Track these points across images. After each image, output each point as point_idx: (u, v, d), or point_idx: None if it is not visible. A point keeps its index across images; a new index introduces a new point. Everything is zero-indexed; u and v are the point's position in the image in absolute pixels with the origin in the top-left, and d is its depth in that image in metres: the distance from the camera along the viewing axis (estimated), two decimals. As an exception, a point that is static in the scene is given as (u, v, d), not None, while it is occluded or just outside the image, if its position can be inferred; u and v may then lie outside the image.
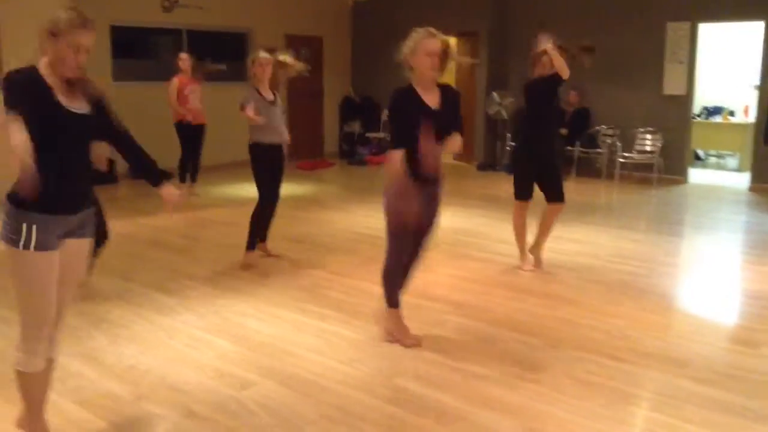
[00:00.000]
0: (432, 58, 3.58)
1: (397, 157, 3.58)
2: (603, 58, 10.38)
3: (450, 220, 7.58)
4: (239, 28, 11.62)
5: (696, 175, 10.50)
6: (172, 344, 4.05)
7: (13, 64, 2.72)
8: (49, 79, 2.62)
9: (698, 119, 11.34)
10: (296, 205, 8.33)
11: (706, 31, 9.93)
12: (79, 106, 2.67)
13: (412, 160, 3.59)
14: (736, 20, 9.69)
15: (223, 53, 11.97)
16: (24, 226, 2.58)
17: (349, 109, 13.11)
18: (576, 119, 10.63)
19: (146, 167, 2.95)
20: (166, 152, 8.13)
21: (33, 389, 2.82)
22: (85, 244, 2.84)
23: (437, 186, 3.88)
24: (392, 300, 4.04)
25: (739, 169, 11.11)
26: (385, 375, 3.63)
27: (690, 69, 9.83)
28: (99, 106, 2.76)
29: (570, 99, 10.63)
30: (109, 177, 8.86)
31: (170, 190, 2.98)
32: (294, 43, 12.27)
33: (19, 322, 2.73)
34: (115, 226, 5.49)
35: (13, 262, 2.63)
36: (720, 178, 10.68)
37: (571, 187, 10.13)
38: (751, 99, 10.24)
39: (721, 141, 11.58)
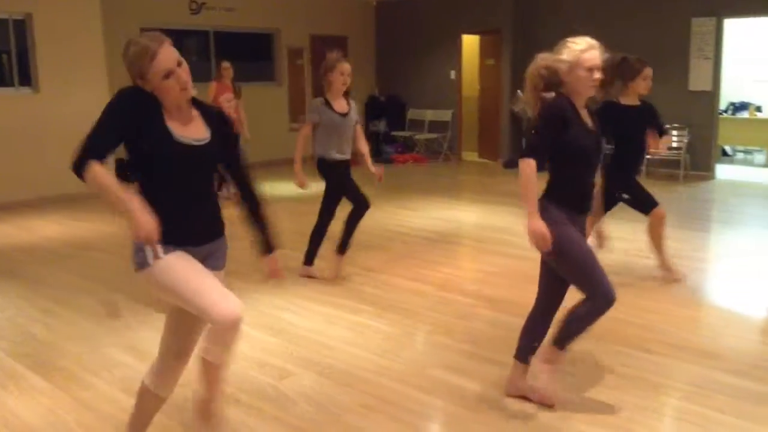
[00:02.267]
0: (594, 73, 3.07)
1: (529, 167, 2.99)
2: (628, 54, 10.38)
3: (477, 217, 7.66)
4: (266, 28, 11.77)
5: (723, 171, 10.45)
6: (212, 336, 4.18)
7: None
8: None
9: (725, 115, 11.29)
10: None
11: (732, 26, 9.89)
12: (195, 134, 2.42)
13: (565, 186, 3.13)
14: (762, 15, 9.63)
15: (249, 54, 12.17)
16: (147, 250, 2.33)
17: (374, 108, 13.22)
18: (602, 115, 10.62)
19: (259, 225, 2.70)
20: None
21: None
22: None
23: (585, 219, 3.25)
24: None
25: (766, 165, 11.04)
26: (419, 366, 3.72)
27: (716, 65, 9.79)
28: (223, 133, 2.53)
29: (596, 97, 10.62)
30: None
31: (274, 262, 2.75)
32: (319, 43, 12.41)
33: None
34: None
35: (155, 278, 2.39)
36: (747, 174, 10.62)
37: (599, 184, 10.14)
38: (779, 94, 10.18)
39: (748, 137, 11.52)
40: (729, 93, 11.20)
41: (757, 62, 11.17)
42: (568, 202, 3.13)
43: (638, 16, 10.30)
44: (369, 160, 5.34)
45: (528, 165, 3.00)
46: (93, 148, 2.25)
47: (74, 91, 8.64)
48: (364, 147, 5.36)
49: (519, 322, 4.35)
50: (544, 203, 3.08)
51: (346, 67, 5.06)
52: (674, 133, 10.16)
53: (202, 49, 11.25)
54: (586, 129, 3.15)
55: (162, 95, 2.35)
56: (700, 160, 10.08)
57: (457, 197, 9.22)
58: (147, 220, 2.20)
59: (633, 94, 5.00)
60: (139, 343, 4.05)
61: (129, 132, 2.31)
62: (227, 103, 8.90)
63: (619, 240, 6.47)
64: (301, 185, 5.17)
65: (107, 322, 4.46)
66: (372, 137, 13.17)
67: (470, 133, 12.55)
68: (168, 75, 2.31)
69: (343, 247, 5.34)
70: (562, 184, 3.13)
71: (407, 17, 12.76)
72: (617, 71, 4.85)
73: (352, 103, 5.26)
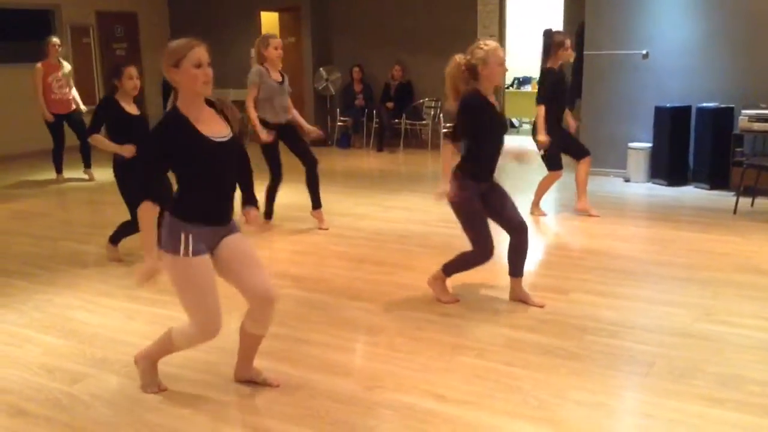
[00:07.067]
0: (503, 67, 3.86)
1: (446, 148, 4.05)
2: (422, 33, 10.79)
3: (284, 197, 7.61)
4: (44, 5, 10.81)
5: (511, 142, 11.16)
6: (-8, 345, 3.80)
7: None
8: (189, 115, 2.89)
9: (511, 89, 12.11)
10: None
11: (514, 6, 10.59)
12: (219, 132, 2.94)
13: (473, 159, 4.04)
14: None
15: (26, 32, 11.10)
16: (182, 235, 2.87)
17: (168, 90, 12.62)
18: (400, 93, 10.98)
19: (246, 185, 3.42)
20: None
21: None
22: (238, 236, 3.08)
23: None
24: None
25: (548, 134, 12.00)
26: (229, 353, 3.62)
27: (500, 41, 10.43)
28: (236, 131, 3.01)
29: (394, 74, 10.95)
30: None
31: (254, 215, 3.34)
32: (107, 20, 11.63)
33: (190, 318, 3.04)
34: None
35: (174, 268, 2.93)
36: (532, 143, 11.46)
37: (399, 159, 10.52)
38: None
39: (531, 109, 12.40)
40: (514, 68, 12.01)
41: (537, 38, 12.05)
42: (478, 174, 4.03)
43: (428, -3, 10.72)
44: (303, 121, 6.23)
45: (446, 147, 4.05)
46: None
47: None
48: (296, 112, 6.24)
49: (327, 299, 4.42)
50: (458, 175, 3.96)
51: (279, 42, 6.03)
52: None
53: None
54: (496, 113, 3.99)
55: (192, 80, 2.88)
56: (490, 131, 10.71)
57: (258, 177, 9.07)
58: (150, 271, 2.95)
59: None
60: None
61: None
62: (56, 82, 8.41)
63: (416, 212, 6.76)
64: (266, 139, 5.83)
65: None
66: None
67: (274, 112, 12.39)
68: (198, 65, 2.87)
69: (315, 204, 6.21)
70: (474, 158, 4.05)
71: (201, -7, 12.30)
72: None
73: (285, 76, 6.13)
